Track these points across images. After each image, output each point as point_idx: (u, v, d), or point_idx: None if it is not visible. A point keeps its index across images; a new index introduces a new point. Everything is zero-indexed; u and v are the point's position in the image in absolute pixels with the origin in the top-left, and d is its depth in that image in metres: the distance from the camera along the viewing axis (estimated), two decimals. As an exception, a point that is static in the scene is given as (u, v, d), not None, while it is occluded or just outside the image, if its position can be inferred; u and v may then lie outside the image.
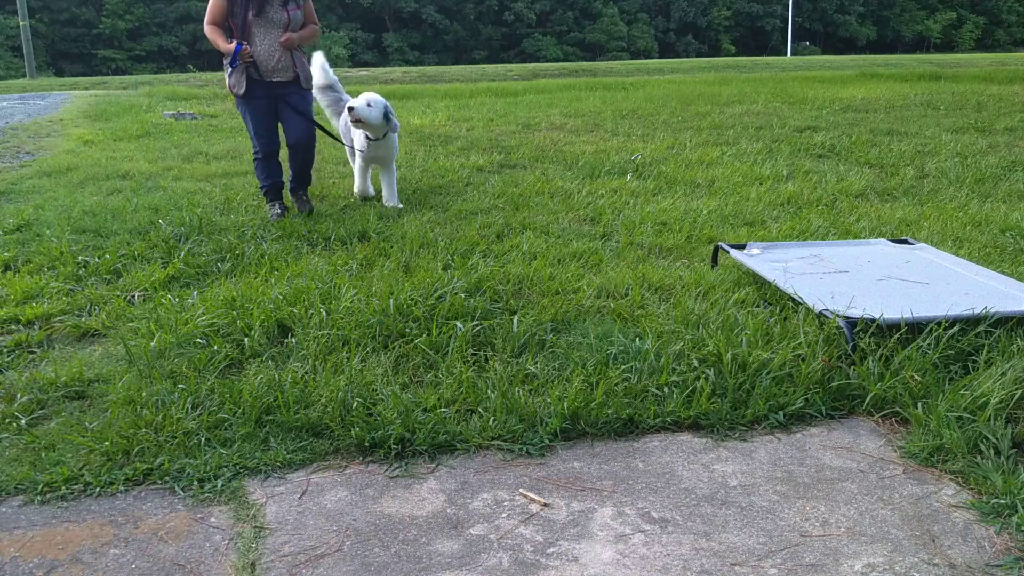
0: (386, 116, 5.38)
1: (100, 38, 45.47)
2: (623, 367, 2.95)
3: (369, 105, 5.28)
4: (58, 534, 2.21)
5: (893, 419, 2.76)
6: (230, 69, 5.10)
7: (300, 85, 5.28)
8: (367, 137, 5.37)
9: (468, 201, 5.89)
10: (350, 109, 5.23)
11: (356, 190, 5.88)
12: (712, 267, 4.18)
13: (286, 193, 5.63)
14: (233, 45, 5.01)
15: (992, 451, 2.45)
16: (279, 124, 5.39)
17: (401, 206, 5.56)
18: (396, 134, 5.42)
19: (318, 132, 5.52)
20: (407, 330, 3.30)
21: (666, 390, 2.84)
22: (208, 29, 5.12)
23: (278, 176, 5.47)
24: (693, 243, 4.70)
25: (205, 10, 5.17)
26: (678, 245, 4.64)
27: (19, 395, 2.94)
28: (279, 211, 5.37)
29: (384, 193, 5.65)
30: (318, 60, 5.87)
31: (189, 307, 3.65)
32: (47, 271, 4.37)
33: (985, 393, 2.66)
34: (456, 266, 4.14)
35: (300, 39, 5.24)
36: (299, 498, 2.37)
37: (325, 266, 4.18)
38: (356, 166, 5.78)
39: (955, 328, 3.04)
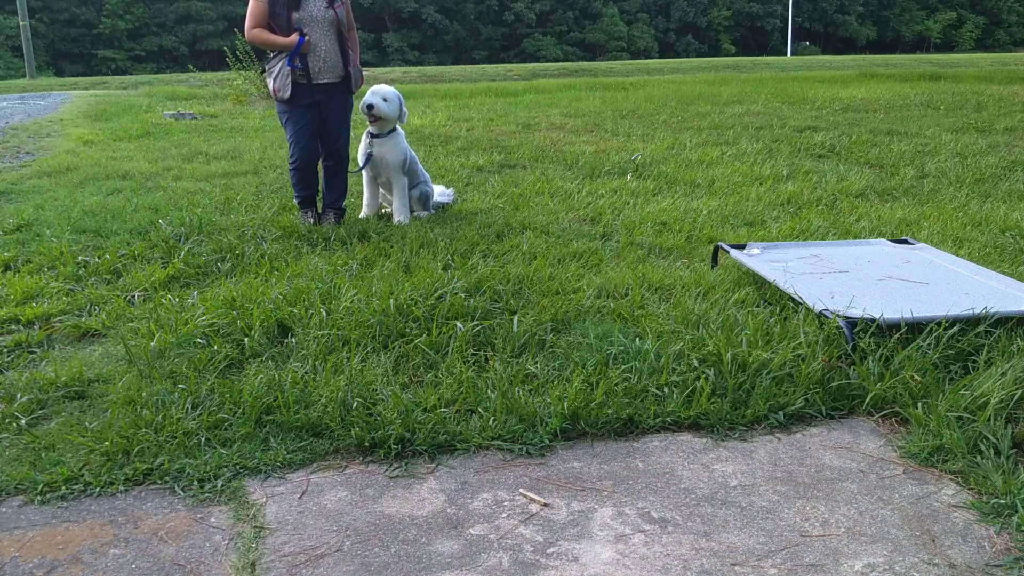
0: (400, 108, 5.19)
1: (100, 38, 45.42)
2: (623, 367, 2.95)
3: (386, 100, 5.07)
4: (58, 534, 2.21)
5: (893, 419, 2.76)
6: (285, 69, 4.81)
7: (348, 88, 5.05)
8: (370, 134, 5.27)
9: (468, 201, 5.89)
10: (369, 107, 4.99)
11: (363, 213, 5.45)
12: (712, 267, 4.18)
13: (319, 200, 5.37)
14: (295, 37, 4.73)
15: (992, 451, 2.45)
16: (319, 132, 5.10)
17: (408, 223, 5.18)
18: (402, 136, 5.27)
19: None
20: (407, 330, 3.30)
21: (666, 390, 2.84)
22: (254, 32, 4.82)
23: (315, 187, 5.24)
24: (693, 243, 4.70)
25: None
26: (678, 245, 4.64)
27: (19, 395, 2.93)
28: (312, 220, 5.19)
29: (394, 206, 5.27)
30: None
31: (189, 307, 3.65)
32: (47, 271, 4.37)
33: (985, 393, 2.66)
34: (456, 266, 4.14)
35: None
36: (299, 498, 2.37)
37: (325, 266, 4.18)
38: (364, 181, 5.44)
39: (955, 328, 3.04)
